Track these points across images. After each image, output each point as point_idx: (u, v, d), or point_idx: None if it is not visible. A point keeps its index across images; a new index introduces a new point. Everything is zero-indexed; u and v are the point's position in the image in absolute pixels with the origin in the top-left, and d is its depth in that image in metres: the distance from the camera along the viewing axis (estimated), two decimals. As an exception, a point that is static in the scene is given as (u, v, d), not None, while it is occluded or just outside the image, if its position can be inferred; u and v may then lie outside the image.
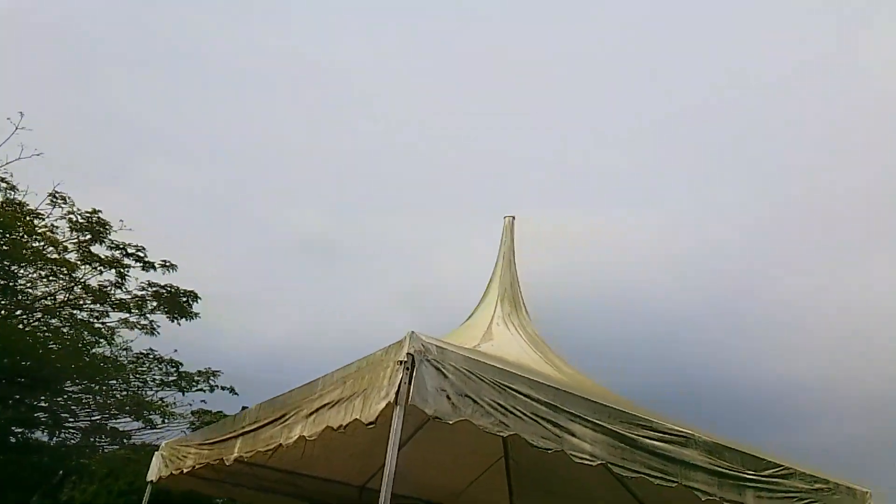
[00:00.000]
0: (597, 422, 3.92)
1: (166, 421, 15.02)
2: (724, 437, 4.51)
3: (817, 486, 4.87)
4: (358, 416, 3.64)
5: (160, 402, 15.02)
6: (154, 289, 14.48)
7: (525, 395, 3.76)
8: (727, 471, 4.35)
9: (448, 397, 3.49)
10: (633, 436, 4.02)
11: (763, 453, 4.62)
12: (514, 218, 7.43)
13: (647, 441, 4.06)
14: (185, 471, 6.02)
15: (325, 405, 4.07)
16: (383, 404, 3.43)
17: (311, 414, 4.18)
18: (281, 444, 4.46)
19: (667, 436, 4.18)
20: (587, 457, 3.83)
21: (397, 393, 3.36)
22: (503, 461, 8.18)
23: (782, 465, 4.70)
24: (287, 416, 4.50)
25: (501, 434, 3.64)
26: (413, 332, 3.53)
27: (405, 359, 3.41)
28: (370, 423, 3.52)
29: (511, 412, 3.66)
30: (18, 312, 13.17)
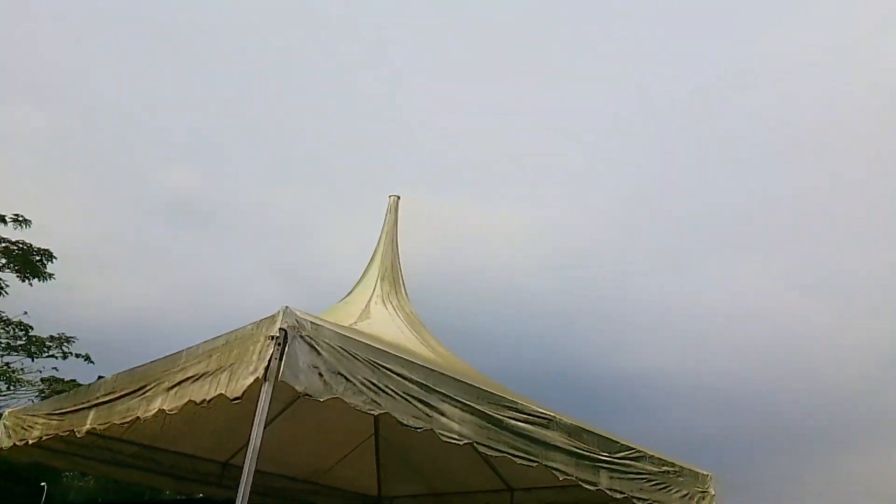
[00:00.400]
0: (466, 402, 4.01)
1: (12, 388, 13.97)
2: (582, 420, 4.74)
3: (665, 468, 5.24)
4: (223, 391, 3.51)
5: (5, 367, 13.92)
6: (3, 244, 13.31)
7: (398, 375, 3.77)
8: (584, 452, 4.57)
9: (320, 374, 3.44)
10: (499, 417, 4.14)
11: (617, 437, 4.90)
12: (398, 197, 7.36)
13: (513, 422, 4.20)
14: (30, 442, 5.60)
15: (188, 378, 3.90)
16: (251, 380, 3.33)
17: (173, 387, 3.99)
18: (139, 417, 4.24)
19: (531, 417, 4.34)
20: (455, 436, 3.91)
21: (267, 368, 3.27)
22: (373, 439, 8.21)
23: (634, 449, 5.00)
24: (146, 389, 4.27)
25: (373, 412, 3.64)
26: (287, 306, 3.44)
27: (277, 334, 3.33)
28: (235, 399, 3.41)
29: (383, 391, 3.66)
30: None
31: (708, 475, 5.63)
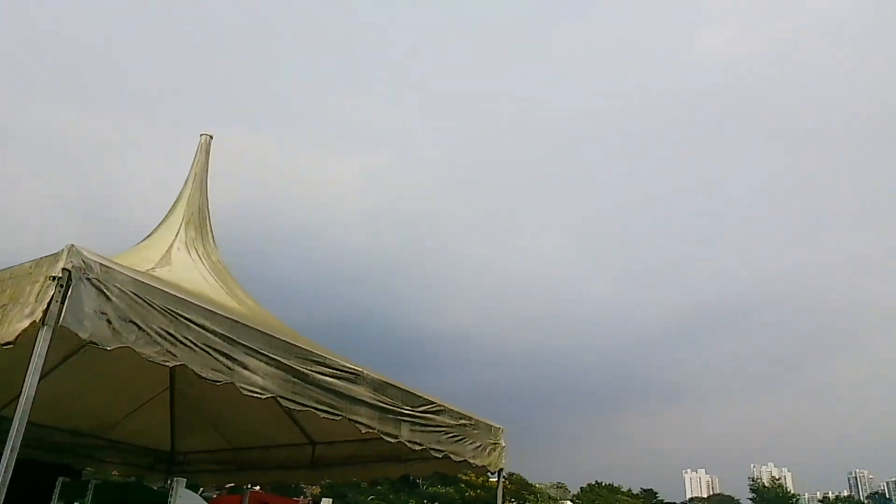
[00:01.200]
0: (271, 356, 3.90)
1: None
2: (388, 376, 4.82)
3: (462, 421, 5.50)
4: (-8, 335, 3.10)
5: None
6: None
7: (199, 326, 3.57)
8: (388, 406, 4.66)
9: (109, 321, 3.16)
10: (306, 371, 4.08)
11: (420, 392, 5.05)
12: (211, 137, 6.82)
13: (320, 377, 4.16)
14: None
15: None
16: (26, 323, 2.96)
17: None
18: None
19: (339, 372, 4.33)
20: (258, 390, 3.80)
21: (46, 312, 2.93)
22: (168, 393, 7.78)
23: (435, 403, 5.19)
24: None
25: (167, 364, 3.42)
26: (73, 245, 3.09)
27: (59, 274, 2.99)
28: (7, 344, 3.02)
29: (181, 342, 3.44)
30: None
31: (500, 428, 6.01)
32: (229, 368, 3.67)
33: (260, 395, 3.81)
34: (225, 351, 3.67)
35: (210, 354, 3.59)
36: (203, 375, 3.54)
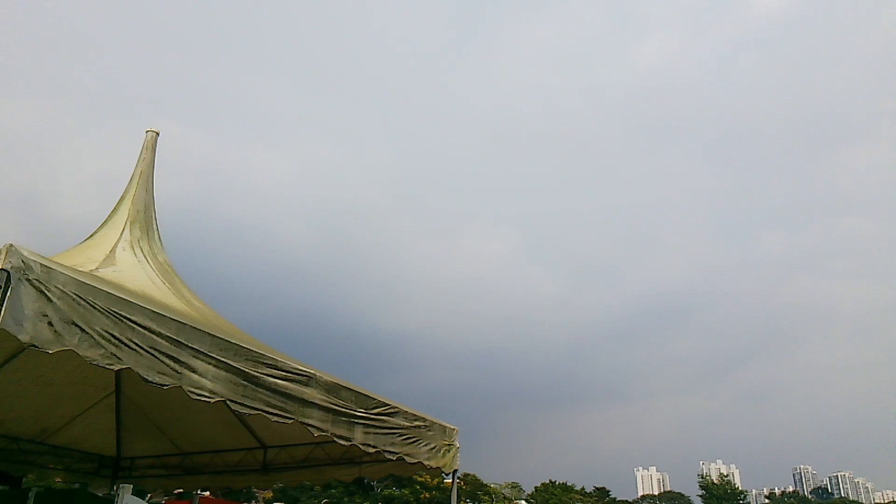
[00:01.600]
0: (220, 359, 3.82)
1: None
2: (341, 378, 4.78)
3: (416, 423, 5.49)
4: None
5: None
6: None
7: (144, 328, 3.48)
8: (341, 409, 4.62)
9: (50, 324, 3.05)
10: (256, 373, 4.02)
11: (373, 394, 5.02)
12: (157, 133, 6.64)
13: (270, 379, 4.10)
14: None
15: None
16: (-41, 326, 2.84)
17: None
18: None
19: (290, 375, 4.27)
20: (206, 393, 3.72)
21: (-18, 315, 2.82)
22: (114, 397, 7.57)
23: (389, 405, 5.17)
24: None
25: (112, 367, 3.31)
26: (12, 244, 2.98)
27: (-3, 275, 2.87)
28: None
29: (126, 345, 3.35)
30: None
31: (454, 429, 6.02)
32: (176, 372, 3.59)
33: (208, 399, 3.73)
34: (172, 354, 3.59)
35: (156, 357, 3.50)
36: (149, 379, 3.45)
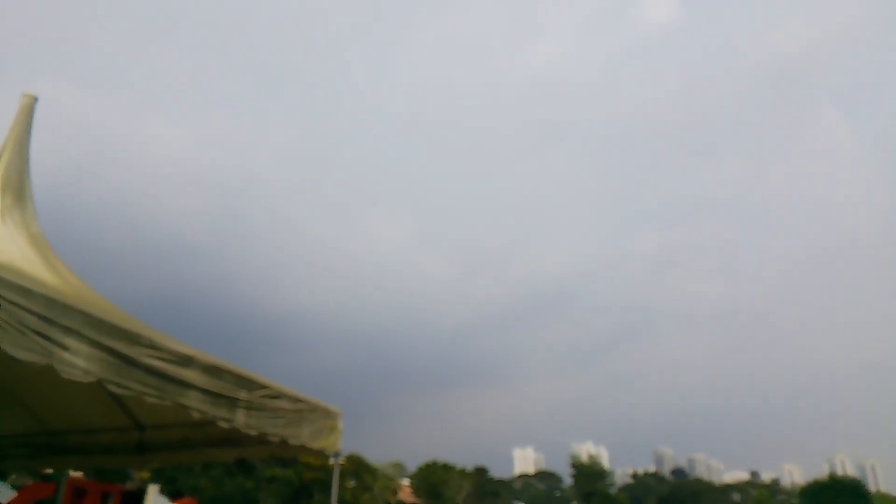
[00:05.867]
0: (94, 338, 3.70)
1: None
2: (223, 360, 4.72)
3: (299, 406, 5.49)
4: None
5: None
6: None
7: (12, 303, 3.32)
8: (222, 391, 4.57)
9: None
10: (133, 354, 3.91)
11: (256, 376, 4.98)
12: (36, 98, 6.22)
13: (148, 360, 4.00)
14: None
15: None
16: None
17: None
18: None
19: (169, 356, 4.18)
20: (79, 373, 3.60)
21: None
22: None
23: (271, 388, 5.15)
24: None
25: (-27, 344, 3.15)
26: None
27: None
28: None
29: (-9, 320, 3.19)
30: None
31: (337, 412, 6.07)
32: (47, 350, 3.45)
33: (82, 379, 3.61)
34: (41, 331, 3.44)
35: (25, 334, 3.36)
36: (18, 356, 3.30)
